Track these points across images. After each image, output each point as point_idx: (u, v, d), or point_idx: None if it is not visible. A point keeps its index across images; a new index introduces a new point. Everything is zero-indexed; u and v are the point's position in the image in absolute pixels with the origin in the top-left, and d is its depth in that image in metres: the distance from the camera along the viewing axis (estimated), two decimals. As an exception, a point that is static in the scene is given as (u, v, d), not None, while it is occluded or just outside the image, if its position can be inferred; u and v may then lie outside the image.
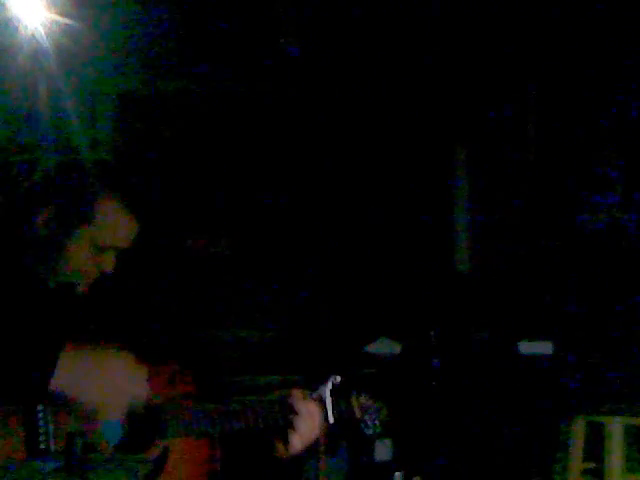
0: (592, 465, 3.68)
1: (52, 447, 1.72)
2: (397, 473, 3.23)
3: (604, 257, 3.90)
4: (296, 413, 1.93)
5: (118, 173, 2.01)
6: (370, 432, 2.08)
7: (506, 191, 4.55)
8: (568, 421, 3.72)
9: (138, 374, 1.76)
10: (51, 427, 1.73)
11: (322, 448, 3.41)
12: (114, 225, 1.91)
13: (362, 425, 2.07)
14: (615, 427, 3.49)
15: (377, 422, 2.08)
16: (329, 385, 1.98)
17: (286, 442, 1.95)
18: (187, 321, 2.15)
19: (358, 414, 2.06)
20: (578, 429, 3.68)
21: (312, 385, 2.01)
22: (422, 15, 3.97)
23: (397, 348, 4.08)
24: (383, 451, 3.87)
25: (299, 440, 1.94)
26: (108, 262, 1.91)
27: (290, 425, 1.93)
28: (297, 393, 1.98)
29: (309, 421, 1.94)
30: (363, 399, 2.07)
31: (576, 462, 3.70)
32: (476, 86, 4.43)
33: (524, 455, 3.89)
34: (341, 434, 2.11)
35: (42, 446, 1.72)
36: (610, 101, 4.10)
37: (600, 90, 4.11)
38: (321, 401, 1.97)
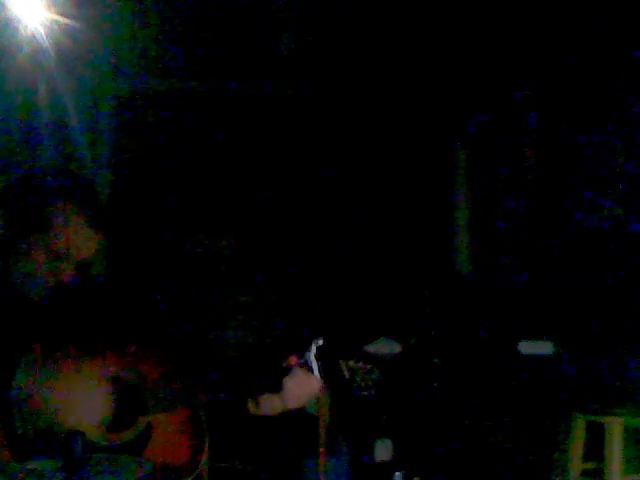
0: (592, 465, 3.68)
1: (30, 432, 1.74)
2: (397, 473, 3.24)
3: (604, 256, 3.90)
4: (284, 377, 1.96)
5: (82, 187, 2.02)
6: (364, 393, 2.09)
7: (506, 191, 4.55)
8: (568, 421, 3.72)
9: (101, 388, 1.79)
10: (26, 411, 1.74)
11: (322, 448, 3.41)
12: (72, 236, 1.91)
13: (354, 386, 2.09)
14: (615, 427, 3.49)
15: (370, 383, 2.09)
16: (313, 348, 2.01)
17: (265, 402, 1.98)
18: (184, 319, 2.16)
19: (347, 375, 2.08)
20: (578, 429, 3.68)
21: (297, 352, 2.04)
22: (421, 14, 3.97)
23: (397, 348, 4.08)
24: (383, 451, 3.87)
25: (290, 402, 1.97)
26: (66, 271, 1.91)
27: (277, 389, 1.96)
28: (290, 359, 2.01)
29: (297, 385, 1.97)
30: (352, 362, 2.10)
31: (576, 462, 3.70)
32: (476, 86, 4.43)
33: (524, 455, 3.89)
34: (348, 434, 2.12)
35: (20, 431, 1.73)
36: (611, 99, 4.10)
37: (601, 89, 4.11)
38: (307, 365, 2.00)
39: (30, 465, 1.65)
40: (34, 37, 3.24)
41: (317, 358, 2.02)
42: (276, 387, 1.98)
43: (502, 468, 3.90)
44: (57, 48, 3.31)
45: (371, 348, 4.11)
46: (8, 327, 1.83)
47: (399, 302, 4.37)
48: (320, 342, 2.03)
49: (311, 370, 2.01)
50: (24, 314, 1.89)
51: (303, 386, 2.00)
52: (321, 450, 3.39)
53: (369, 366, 2.11)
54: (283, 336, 4.19)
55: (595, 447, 3.62)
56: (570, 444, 3.71)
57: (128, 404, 1.86)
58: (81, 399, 1.81)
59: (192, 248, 4.42)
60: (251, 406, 2.02)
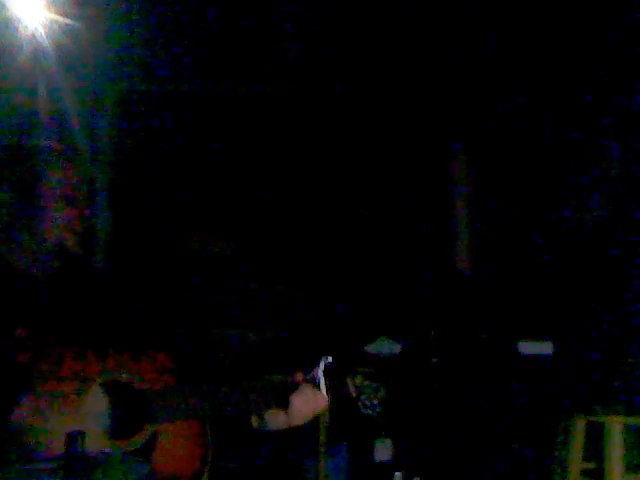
0: (592, 465, 3.68)
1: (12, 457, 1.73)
2: (397, 473, 3.23)
3: (604, 256, 3.90)
4: (290, 393, 1.94)
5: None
6: (369, 412, 2.07)
7: (506, 191, 4.55)
8: (568, 421, 3.72)
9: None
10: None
11: (322, 448, 3.41)
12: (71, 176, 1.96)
13: (360, 405, 2.06)
14: (615, 427, 3.49)
15: (375, 402, 2.07)
16: (321, 366, 1.99)
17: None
18: (184, 317, 2.16)
19: (354, 393, 2.06)
20: (578, 429, 3.68)
21: (306, 368, 2.01)
22: (423, 15, 3.97)
23: (397, 348, 4.08)
24: (383, 451, 3.87)
25: (296, 419, 1.95)
26: (70, 241, 1.93)
27: (283, 406, 1.94)
28: (297, 375, 1.99)
29: (304, 402, 1.95)
30: (359, 380, 2.07)
31: (576, 462, 3.70)
32: (475, 85, 4.43)
33: (524, 455, 3.89)
34: (340, 424, 2.10)
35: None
36: (607, 99, 4.10)
37: (597, 89, 4.11)
38: (315, 382, 1.98)
39: (30, 465, 1.65)
40: (34, 37, 3.24)
41: (325, 375, 1.99)
42: (282, 403, 1.96)
43: (502, 468, 3.90)
44: (57, 48, 3.32)
45: (371, 348, 4.12)
46: (11, 311, 1.83)
47: (399, 302, 4.37)
48: (329, 359, 2.01)
49: (318, 387, 1.99)
50: (28, 297, 1.89)
51: (309, 403, 1.98)
52: (321, 450, 3.39)
53: (376, 384, 2.09)
54: (287, 341, 4.19)
55: (595, 447, 3.62)
56: (570, 444, 3.70)
57: (135, 411, 1.86)
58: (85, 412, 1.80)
59: (191, 248, 4.42)
60: (255, 420, 2.00)
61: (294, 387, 1.97)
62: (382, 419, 2.09)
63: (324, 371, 1.99)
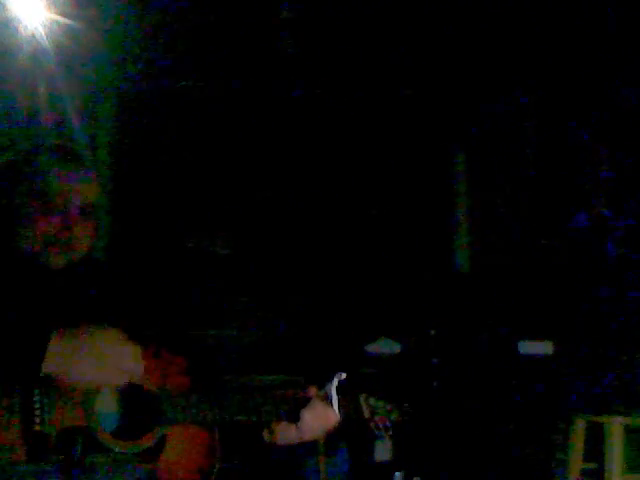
0: (592, 465, 3.68)
1: (47, 430, 1.73)
2: (397, 473, 3.24)
3: (604, 257, 3.90)
4: (302, 407, 1.94)
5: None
6: (381, 434, 2.05)
7: (506, 191, 4.55)
8: (568, 421, 3.72)
9: (130, 350, 1.77)
10: (47, 410, 1.73)
11: (322, 448, 3.41)
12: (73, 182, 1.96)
13: (372, 426, 2.05)
14: (615, 427, 3.49)
15: (388, 424, 2.05)
16: (334, 382, 1.98)
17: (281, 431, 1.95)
18: (185, 319, 2.16)
19: (367, 414, 2.04)
20: (578, 429, 3.68)
21: (318, 383, 2.00)
22: (423, 18, 3.97)
23: (397, 348, 4.08)
24: (383, 451, 3.87)
25: (306, 434, 1.95)
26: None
27: (294, 420, 1.94)
28: (310, 390, 1.98)
29: (315, 418, 1.95)
30: (373, 400, 2.06)
31: (576, 462, 3.70)
32: (475, 87, 4.43)
33: (524, 455, 3.89)
34: (348, 434, 2.09)
35: (38, 429, 1.72)
36: (605, 103, 4.10)
37: (596, 93, 4.12)
38: (327, 399, 1.97)
39: (29, 466, 1.65)
40: (34, 37, 3.24)
41: (337, 392, 1.98)
42: (293, 417, 1.96)
43: (502, 468, 3.90)
44: (57, 48, 3.32)
45: (371, 348, 4.12)
46: (39, 304, 1.82)
47: (399, 302, 4.37)
48: (343, 376, 2.00)
49: (330, 403, 1.98)
50: (41, 287, 1.88)
51: (320, 419, 1.97)
52: (321, 450, 3.39)
53: (389, 406, 2.07)
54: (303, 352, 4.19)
55: (595, 447, 3.62)
56: (570, 444, 3.71)
57: (145, 413, 1.85)
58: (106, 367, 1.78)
59: (190, 247, 4.43)
60: (266, 434, 2.00)
61: (306, 402, 1.96)
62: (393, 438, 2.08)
63: (337, 388, 1.98)
